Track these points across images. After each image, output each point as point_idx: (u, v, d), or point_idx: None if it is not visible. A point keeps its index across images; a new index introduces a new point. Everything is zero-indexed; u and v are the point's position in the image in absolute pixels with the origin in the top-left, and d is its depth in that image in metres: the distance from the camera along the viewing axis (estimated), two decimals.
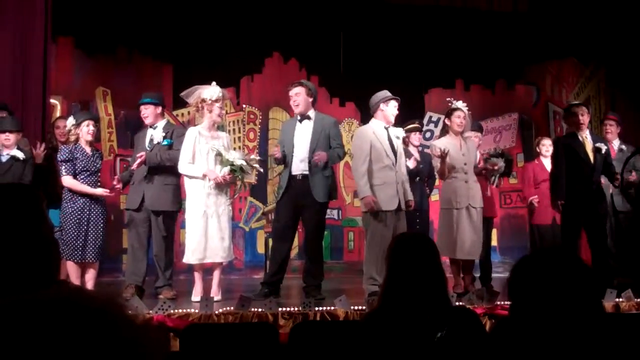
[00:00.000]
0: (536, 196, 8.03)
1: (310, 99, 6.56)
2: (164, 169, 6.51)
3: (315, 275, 6.50)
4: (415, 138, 8.01)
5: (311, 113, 6.57)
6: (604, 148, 6.93)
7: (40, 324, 0.86)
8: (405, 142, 7.81)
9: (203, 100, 6.28)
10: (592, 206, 6.80)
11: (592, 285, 2.01)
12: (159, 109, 6.74)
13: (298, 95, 6.50)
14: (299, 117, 6.57)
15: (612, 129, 7.89)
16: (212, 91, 6.29)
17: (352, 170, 6.76)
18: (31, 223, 1.77)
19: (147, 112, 6.65)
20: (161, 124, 6.70)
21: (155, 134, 6.60)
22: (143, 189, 6.51)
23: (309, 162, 6.38)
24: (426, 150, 8.15)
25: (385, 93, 6.56)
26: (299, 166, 6.44)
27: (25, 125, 7.29)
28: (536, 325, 1.93)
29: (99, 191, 6.18)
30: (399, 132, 6.74)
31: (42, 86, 7.48)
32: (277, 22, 9.31)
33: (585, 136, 6.95)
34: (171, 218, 6.67)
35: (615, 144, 7.85)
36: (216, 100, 6.28)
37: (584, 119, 6.93)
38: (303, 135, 6.49)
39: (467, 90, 10.27)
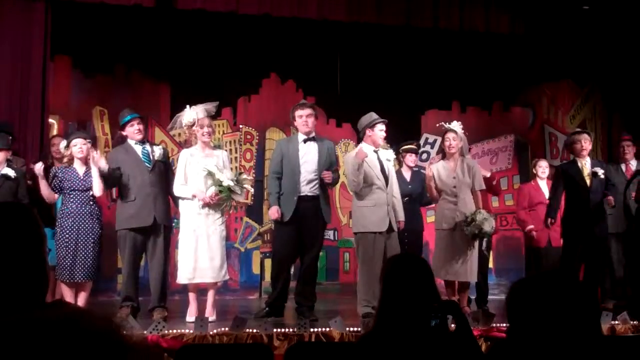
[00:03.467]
0: (533, 226, 8.02)
1: (316, 122, 6.71)
2: (164, 184, 6.47)
3: (309, 296, 6.50)
4: (411, 159, 7.98)
5: (313, 134, 6.66)
6: (600, 172, 7.05)
7: (36, 344, 0.86)
8: (400, 162, 7.85)
9: (185, 127, 6.36)
10: (589, 229, 6.92)
11: (591, 308, 2.01)
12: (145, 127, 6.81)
13: (310, 117, 6.58)
14: (303, 138, 6.59)
15: (629, 149, 7.86)
16: (186, 116, 6.35)
17: (349, 187, 6.87)
18: (26, 242, 1.76)
19: (142, 127, 6.56)
20: (145, 140, 6.65)
21: (155, 150, 6.54)
22: (151, 205, 6.36)
23: (321, 183, 6.48)
24: (421, 171, 8.12)
25: (371, 117, 6.65)
26: (306, 187, 6.47)
27: (24, 144, 7.31)
28: (534, 348, 1.93)
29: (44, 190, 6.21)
30: (389, 154, 6.78)
31: (41, 105, 7.51)
32: (275, 43, 9.35)
33: (585, 163, 7.09)
34: (170, 234, 6.64)
35: (633, 164, 7.81)
36: (191, 125, 6.31)
37: (587, 146, 7.11)
38: (310, 157, 6.53)
39: (464, 111, 10.30)
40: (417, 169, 8.15)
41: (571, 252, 7.01)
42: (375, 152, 6.60)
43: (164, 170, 6.57)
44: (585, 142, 7.14)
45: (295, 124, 6.70)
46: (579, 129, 7.63)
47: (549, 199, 7.41)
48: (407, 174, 7.86)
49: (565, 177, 7.11)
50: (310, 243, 6.51)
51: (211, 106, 6.51)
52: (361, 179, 6.38)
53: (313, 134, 6.64)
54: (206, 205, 6.17)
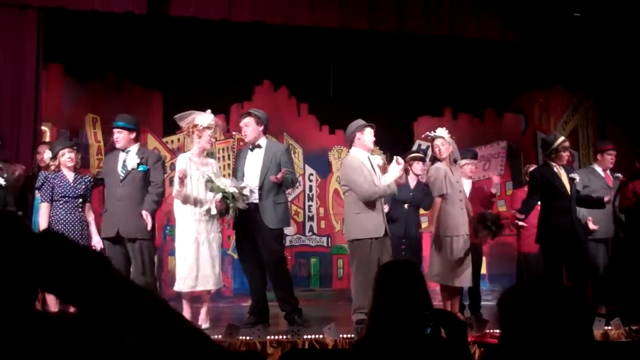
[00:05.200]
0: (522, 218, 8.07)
1: (261, 128, 6.55)
2: (139, 194, 6.33)
3: (289, 301, 6.43)
4: (418, 167, 7.86)
5: (262, 141, 6.55)
6: (577, 178, 7.04)
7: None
8: (407, 170, 7.82)
9: (195, 126, 6.26)
10: (573, 235, 6.90)
11: (583, 314, 2.01)
12: (133, 135, 6.49)
13: (247, 126, 6.50)
14: (250, 146, 6.56)
15: (615, 159, 7.89)
16: (204, 118, 6.28)
17: (362, 194, 6.33)
18: (16, 251, 1.76)
19: (120, 136, 6.41)
20: (134, 148, 6.46)
21: (129, 159, 6.38)
22: (118, 216, 6.28)
23: (260, 190, 6.36)
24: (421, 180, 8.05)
25: (360, 122, 6.57)
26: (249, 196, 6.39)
27: (16, 151, 7.28)
28: (527, 354, 1.93)
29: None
30: (378, 159, 6.75)
31: (33, 112, 7.49)
32: (268, 51, 9.36)
33: (559, 168, 7.07)
34: (147, 246, 6.37)
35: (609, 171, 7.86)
36: (208, 127, 6.26)
37: (567, 157, 7.08)
38: (254, 164, 6.47)
39: (456, 118, 10.34)
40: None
41: (555, 258, 6.97)
42: (368, 157, 6.58)
43: (141, 180, 6.39)
44: (568, 154, 7.15)
45: None
46: (563, 138, 7.51)
47: (525, 200, 7.21)
48: (412, 182, 7.80)
49: (544, 182, 7.02)
50: (264, 251, 6.41)
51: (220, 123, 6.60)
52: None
53: (260, 141, 6.54)
54: (207, 212, 6.15)
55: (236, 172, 6.61)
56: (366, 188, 6.29)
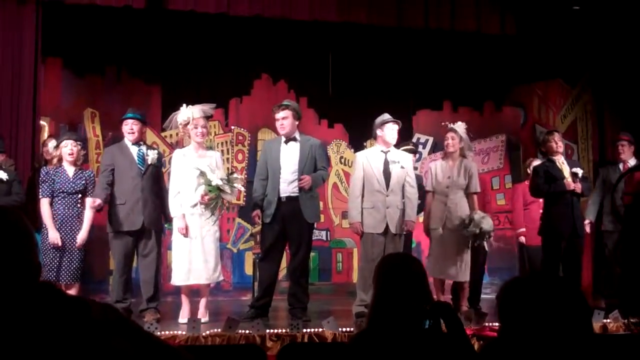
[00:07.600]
0: (523, 229, 8.18)
1: (297, 122, 6.57)
2: (156, 187, 6.45)
3: (301, 298, 6.46)
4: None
5: (296, 135, 6.57)
6: (580, 172, 7.04)
7: None
8: None
9: (178, 126, 6.33)
10: (572, 229, 6.93)
11: (581, 307, 2.01)
12: (144, 129, 6.71)
13: (286, 119, 6.47)
14: (284, 139, 6.55)
15: (624, 149, 7.86)
16: (181, 115, 6.29)
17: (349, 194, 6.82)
18: (16, 247, 1.75)
19: (136, 128, 6.43)
20: (142, 143, 6.57)
21: (149, 153, 6.44)
22: (141, 209, 6.31)
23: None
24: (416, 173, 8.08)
25: (383, 117, 6.73)
26: (286, 188, 6.40)
27: (15, 145, 7.28)
28: (526, 347, 1.93)
29: (52, 236, 6.02)
30: (399, 156, 6.74)
31: (32, 107, 7.48)
32: (266, 44, 9.34)
33: (562, 162, 7.08)
34: (161, 238, 6.58)
35: (631, 163, 7.81)
36: (187, 123, 6.26)
37: (560, 145, 7.08)
38: (290, 157, 6.47)
39: (455, 111, 10.32)
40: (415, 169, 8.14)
41: (554, 251, 7.01)
42: (384, 152, 6.65)
43: (156, 174, 6.50)
44: (559, 141, 7.14)
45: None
46: (548, 130, 7.63)
47: (544, 196, 7.23)
48: None
49: (547, 176, 7.06)
50: (295, 245, 6.45)
51: (208, 107, 6.45)
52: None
53: (295, 134, 6.55)
54: (195, 205, 6.14)
55: (264, 165, 6.55)
56: (350, 192, 6.77)
